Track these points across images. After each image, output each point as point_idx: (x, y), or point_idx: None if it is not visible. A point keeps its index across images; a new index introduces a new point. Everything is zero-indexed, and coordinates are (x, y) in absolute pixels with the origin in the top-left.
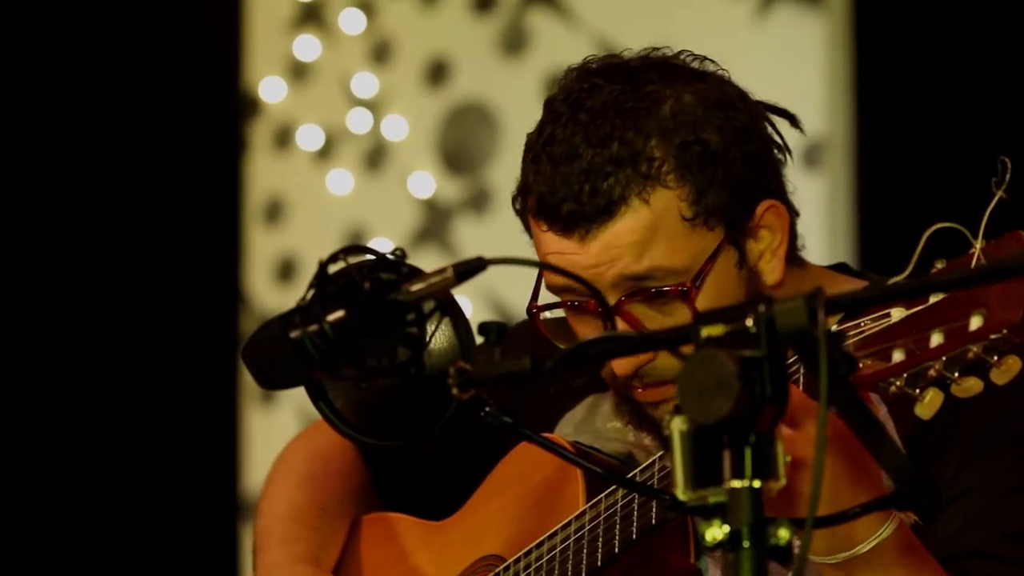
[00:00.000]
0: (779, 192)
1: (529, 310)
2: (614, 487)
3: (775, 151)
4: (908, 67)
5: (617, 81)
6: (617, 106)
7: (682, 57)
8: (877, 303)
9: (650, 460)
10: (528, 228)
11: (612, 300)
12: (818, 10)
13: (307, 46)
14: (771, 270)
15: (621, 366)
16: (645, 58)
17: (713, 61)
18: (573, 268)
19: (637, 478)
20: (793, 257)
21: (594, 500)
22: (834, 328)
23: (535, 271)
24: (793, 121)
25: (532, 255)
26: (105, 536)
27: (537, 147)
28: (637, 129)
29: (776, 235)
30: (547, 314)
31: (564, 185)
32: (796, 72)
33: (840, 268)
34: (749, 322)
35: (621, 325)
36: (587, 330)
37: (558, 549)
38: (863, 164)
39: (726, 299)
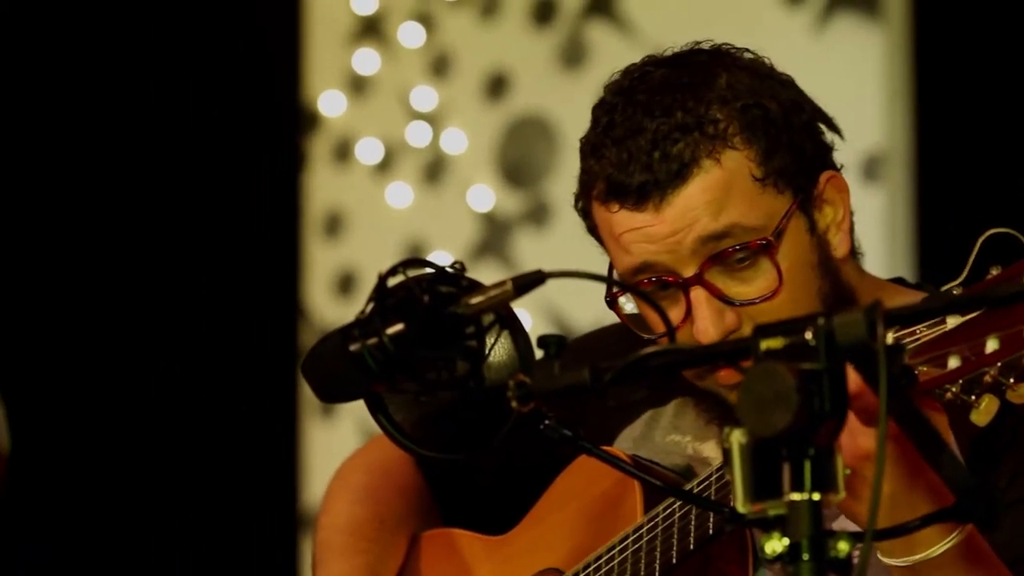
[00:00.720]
0: (835, 168)
1: (607, 298)
2: (672, 500)
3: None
4: (967, 78)
5: (668, 65)
6: (673, 82)
7: (724, 47)
8: (935, 316)
9: (707, 472)
10: (593, 229)
11: (691, 271)
12: (877, 21)
13: (366, 60)
14: (838, 243)
15: (707, 334)
16: (690, 48)
17: (752, 52)
18: (650, 240)
19: (694, 490)
20: (854, 254)
21: (652, 512)
22: (892, 341)
23: (594, 284)
24: (830, 125)
25: (592, 267)
26: (168, 550)
27: (596, 137)
28: (697, 99)
29: (839, 209)
30: (627, 308)
31: (632, 159)
32: (855, 84)
33: (897, 283)
34: (808, 335)
35: (702, 296)
36: (667, 311)
37: (616, 561)
38: (922, 176)
39: (802, 263)
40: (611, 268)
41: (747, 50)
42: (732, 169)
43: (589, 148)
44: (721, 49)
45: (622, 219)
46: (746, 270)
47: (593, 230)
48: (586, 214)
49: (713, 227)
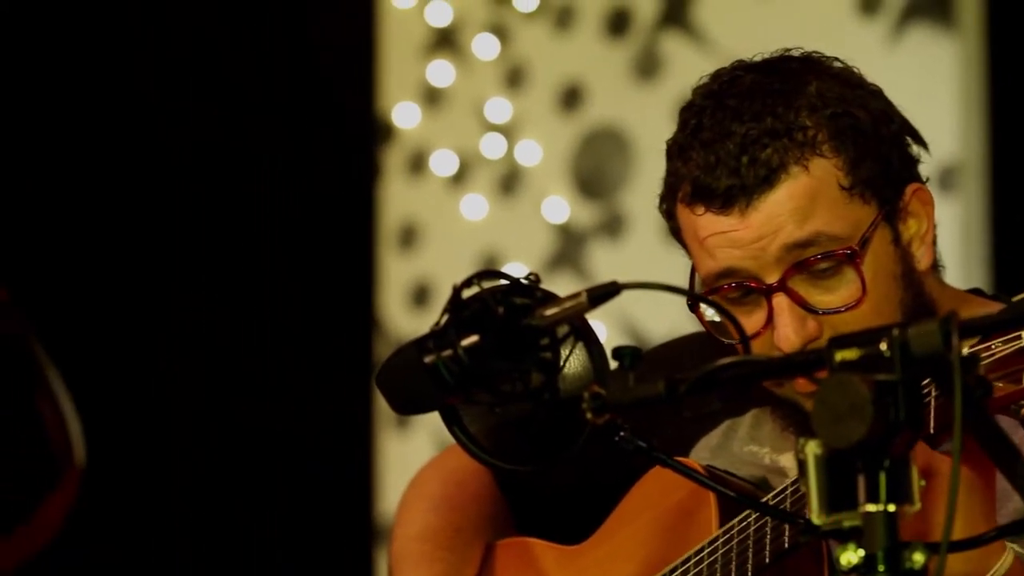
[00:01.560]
0: (920, 181)
1: (689, 302)
2: (748, 511)
3: (913, 143)
4: None
5: (758, 71)
6: (763, 88)
7: (814, 55)
8: (1011, 327)
9: (784, 484)
10: (677, 231)
11: (775, 278)
12: (952, 31)
13: (441, 71)
14: (922, 256)
15: (788, 341)
16: (780, 55)
17: (841, 61)
18: (735, 245)
19: (770, 502)
20: (936, 266)
21: (727, 524)
22: (968, 352)
23: (670, 295)
24: (917, 138)
25: (667, 278)
26: (242, 562)
27: (684, 139)
28: (787, 105)
29: (923, 222)
30: (708, 314)
31: (720, 163)
32: (929, 94)
33: (975, 294)
34: (883, 346)
35: (784, 303)
36: (748, 319)
37: (691, 573)
38: (997, 187)
39: (885, 273)
40: (693, 271)
41: (837, 59)
42: (819, 177)
43: (676, 150)
44: (812, 57)
45: (707, 222)
46: (830, 279)
47: (676, 232)
48: (670, 216)
49: (798, 234)
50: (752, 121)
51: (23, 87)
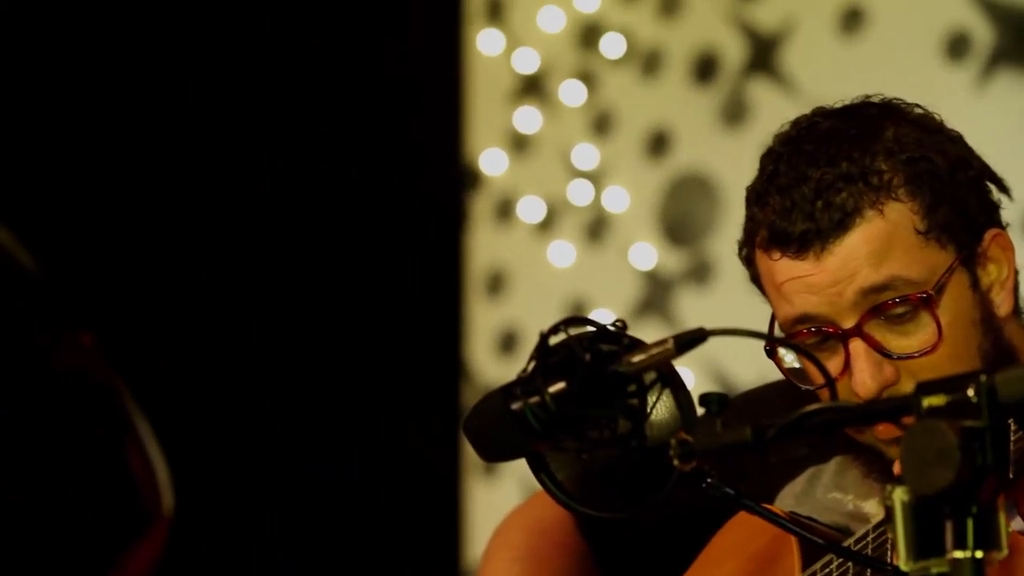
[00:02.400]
0: (1000, 226)
1: (767, 348)
2: (830, 558)
3: (994, 188)
4: None
5: (836, 117)
6: (840, 134)
7: (894, 101)
8: None
9: (864, 529)
10: (756, 277)
11: (851, 323)
12: None
13: (528, 118)
14: (1001, 302)
15: (865, 387)
16: (860, 102)
17: (922, 107)
18: (811, 290)
19: (852, 547)
20: (1018, 312)
21: (810, 570)
22: None
23: (757, 342)
24: (998, 183)
25: (754, 325)
26: None
27: (761, 185)
28: (863, 150)
29: (1003, 268)
30: (787, 360)
31: (795, 207)
32: (1016, 139)
33: None
34: (970, 392)
35: (861, 348)
36: (826, 365)
37: None
38: None
39: (963, 318)
40: (773, 318)
41: (917, 105)
42: (895, 221)
43: (754, 196)
44: (890, 103)
45: (783, 267)
46: (906, 323)
47: (756, 279)
48: (749, 262)
49: (874, 278)
50: (828, 166)
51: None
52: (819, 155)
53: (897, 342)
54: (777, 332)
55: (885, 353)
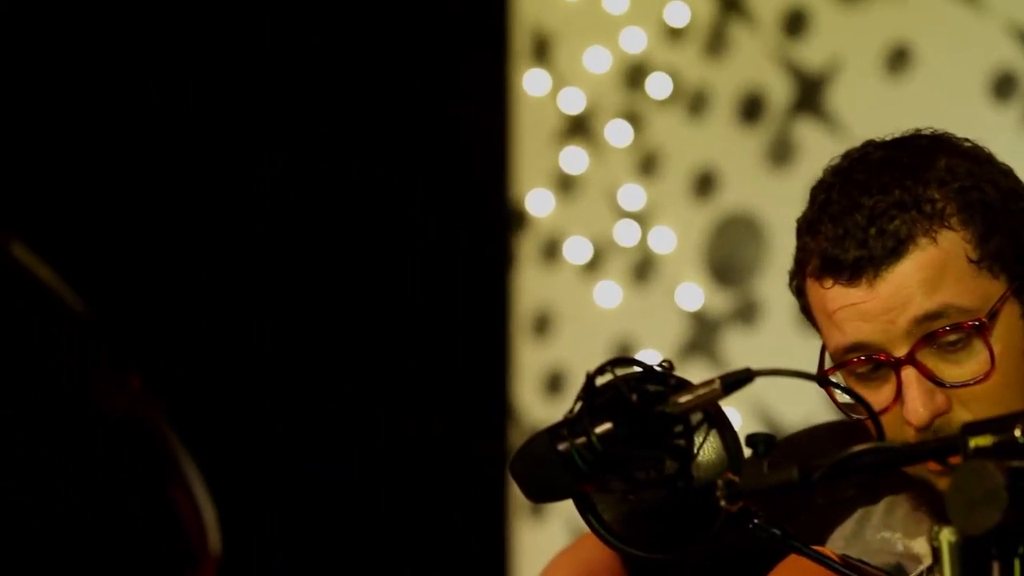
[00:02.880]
0: None
1: (820, 377)
2: None
3: None
4: None
5: (888, 147)
6: (892, 163)
7: (944, 134)
8: None
9: (918, 570)
10: (807, 308)
11: (904, 351)
12: None
13: (574, 158)
14: None
15: (918, 415)
16: (911, 134)
17: (972, 141)
18: (863, 318)
19: None
20: None
21: None
22: None
23: (804, 382)
24: None
25: (801, 365)
26: None
27: (813, 215)
28: (915, 178)
29: None
30: (839, 393)
31: (848, 235)
32: None
33: None
34: (1017, 432)
35: (913, 376)
36: (877, 394)
37: None
38: None
39: (1015, 347)
40: (823, 350)
41: (967, 139)
42: (948, 249)
43: (805, 225)
44: (942, 135)
45: (836, 295)
46: (958, 352)
47: (806, 309)
48: (800, 292)
49: (927, 306)
50: (880, 194)
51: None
52: (871, 184)
53: (949, 371)
54: (828, 362)
55: (937, 381)
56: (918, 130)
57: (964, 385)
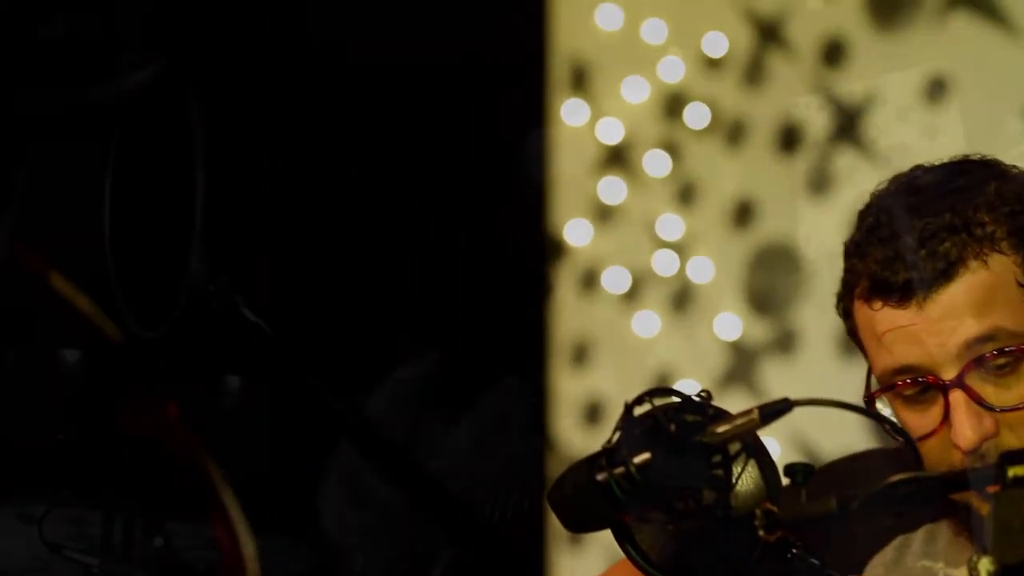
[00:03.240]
0: None
1: (865, 398)
2: None
3: None
4: None
5: (937, 171)
6: (942, 187)
7: (993, 160)
8: None
9: None
10: (853, 330)
11: (952, 374)
12: None
13: (613, 188)
14: None
15: (966, 439)
16: (960, 159)
17: (1020, 168)
18: (912, 340)
19: None
20: None
21: None
22: None
23: (841, 412)
24: None
25: (839, 395)
26: None
27: (861, 237)
28: (965, 202)
29: None
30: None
31: (898, 257)
32: None
33: None
34: None
35: (961, 399)
36: (924, 417)
37: None
38: None
39: None
40: (869, 373)
41: (1015, 166)
42: (999, 273)
43: (853, 248)
44: (991, 160)
45: (885, 317)
46: (1007, 376)
47: (853, 331)
48: (847, 314)
49: (977, 329)
50: (930, 216)
51: None
52: (921, 206)
53: (997, 395)
54: (874, 385)
55: (986, 406)
56: (966, 156)
57: (1013, 410)
